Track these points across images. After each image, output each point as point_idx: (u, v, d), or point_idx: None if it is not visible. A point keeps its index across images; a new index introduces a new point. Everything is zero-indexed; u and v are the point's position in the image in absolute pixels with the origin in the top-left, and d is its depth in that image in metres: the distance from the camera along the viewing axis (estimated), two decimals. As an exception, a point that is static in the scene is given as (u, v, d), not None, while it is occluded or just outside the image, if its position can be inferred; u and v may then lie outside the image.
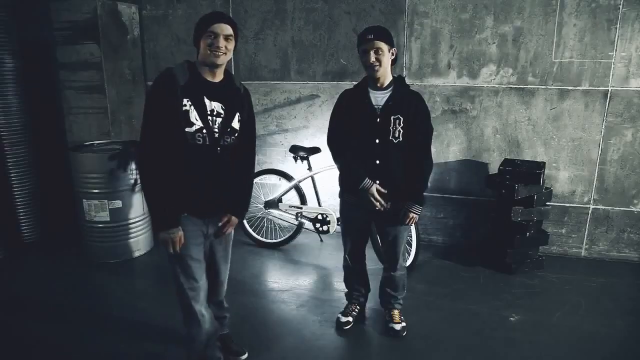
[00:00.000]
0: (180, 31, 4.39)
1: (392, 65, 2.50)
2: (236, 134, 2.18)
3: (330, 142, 2.64)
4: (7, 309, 3.15)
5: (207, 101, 2.08)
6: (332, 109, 2.66)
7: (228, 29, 2.02)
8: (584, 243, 3.94)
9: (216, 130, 2.11)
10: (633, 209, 3.79)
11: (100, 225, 3.75)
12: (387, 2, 3.87)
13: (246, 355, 2.58)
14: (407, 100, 2.48)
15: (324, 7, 4.02)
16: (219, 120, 2.11)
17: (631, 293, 3.41)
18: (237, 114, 2.18)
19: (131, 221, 3.83)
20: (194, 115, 2.04)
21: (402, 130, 2.45)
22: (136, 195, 3.83)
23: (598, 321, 3.01)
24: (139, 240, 3.93)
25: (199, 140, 2.06)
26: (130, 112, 4.42)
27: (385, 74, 2.47)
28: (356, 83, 2.65)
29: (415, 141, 2.50)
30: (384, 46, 2.39)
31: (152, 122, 2.05)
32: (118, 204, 3.73)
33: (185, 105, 2.02)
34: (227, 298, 2.58)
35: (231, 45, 2.06)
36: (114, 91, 4.21)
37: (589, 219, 3.89)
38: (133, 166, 3.76)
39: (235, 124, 2.17)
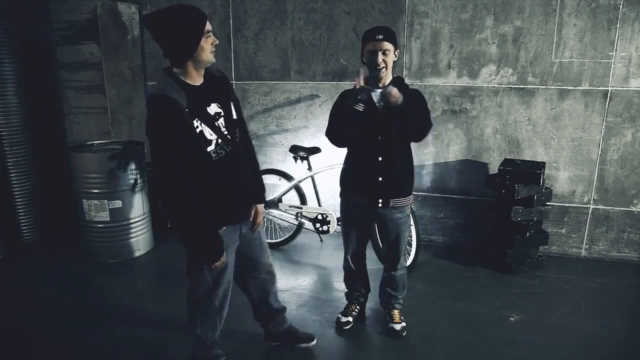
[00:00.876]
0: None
1: (393, 68, 2.52)
2: (237, 124, 2.10)
3: (329, 134, 2.57)
4: (7, 309, 3.15)
5: (208, 110, 1.98)
6: (332, 106, 2.65)
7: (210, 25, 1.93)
8: (584, 243, 3.94)
9: (225, 132, 2.01)
10: (633, 209, 3.79)
11: (100, 225, 3.75)
12: (387, 2, 3.87)
13: (315, 341, 2.65)
14: (406, 97, 2.47)
15: (324, 7, 4.02)
16: (222, 120, 2.01)
17: (631, 293, 3.41)
18: (231, 103, 2.08)
19: (131, 221, 3.84)
20: (208, 132, 1.93)
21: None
22: (136, 195, 3.84)
23: (598, 321, 3.01)
24: (139, 240, 3.93)
25: (221, 153, 1.98)
26: (130, 112, 4.42)
27: (387, 74, 2.49)
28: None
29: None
30: (391, 47, 2.40)
31: (173, 154, 1.84)
32: (118, 204, 3.73)
33: (198, 126, 1.90)
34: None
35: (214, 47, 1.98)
36: (114, 91, 4.21)
37: (589, 219, 3.89)
38: (133, 166, 3.76)
39: (234, 114, 2.09)
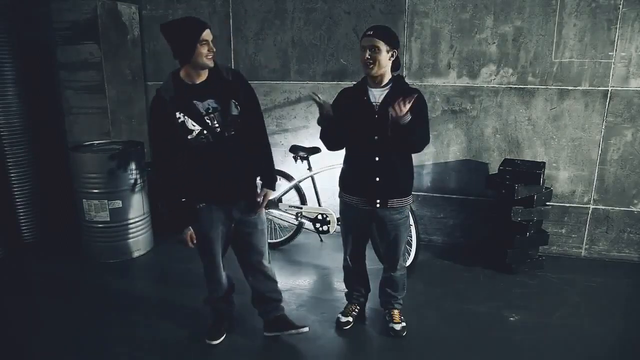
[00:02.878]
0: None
1: (394, 67, 2.49)
2: (238, 120, 2.33)
3: (322, 137, 2.62)
4: (7, 309, 3.15)
5: (198, 104, 2.25)
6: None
7: (210, 34, 2.21)
8: (584, 243, 3.94)
9: (217, 125, 2.27)
10: (633, 209, 3.79)
11: (100, 225, 3.75)
12: (387, 2, 3.87)
13: (307, 328, 2.73)
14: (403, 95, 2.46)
15: (324, 7, 4.01)
16: (216, 115, 2.27)
17: (631, 293, 3.41)
18: (232, 100, 2.31)
19: (131, 221, 3.84)
20: (190, 123, 2.24)
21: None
22: (136, 195, 3.83)
23: (598, 321, 3.01)
24: (139, 240, 3.93)
25: (204, 141, 2.26)
26: (130, 112, 4.42)
27: (383, 73, 2.45)
28: (355, 83, 2.64)
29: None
30: (381, 45, 2.37)
31: (157, 140, 2.33)
32: (118, 204, 3.73)
33: (180, 117, 2.23)
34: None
35: (214, 47, 2.24)
36: (114, 91, 4.21)
37: (589, 219, 3.89)
38: (133, 166, 3.76)
39: (234, 110, 2.32)
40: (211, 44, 2.20)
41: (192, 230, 2.39)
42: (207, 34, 2.17)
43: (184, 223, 2.39)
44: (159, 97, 2.25)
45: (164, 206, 2.43)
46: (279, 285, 2.76)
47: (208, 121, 2.26)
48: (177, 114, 2.22)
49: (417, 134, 2.41)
